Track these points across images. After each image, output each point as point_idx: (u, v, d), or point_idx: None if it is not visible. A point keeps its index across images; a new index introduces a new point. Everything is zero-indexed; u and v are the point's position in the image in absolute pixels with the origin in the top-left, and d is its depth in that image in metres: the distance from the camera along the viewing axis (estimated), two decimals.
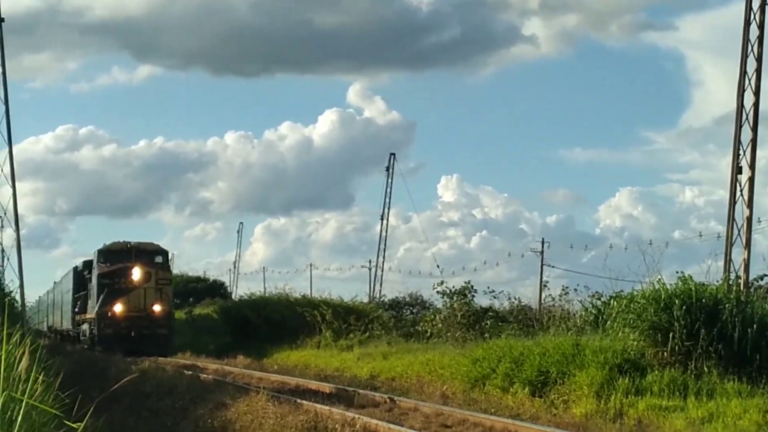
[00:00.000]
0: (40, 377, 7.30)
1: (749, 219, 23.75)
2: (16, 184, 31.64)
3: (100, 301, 35.12)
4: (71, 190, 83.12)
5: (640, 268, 22.36)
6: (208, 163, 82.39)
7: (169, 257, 38.65)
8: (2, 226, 31.48)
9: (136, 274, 35.16)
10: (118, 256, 35.97)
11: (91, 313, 36.45)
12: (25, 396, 5.67)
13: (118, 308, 34.84)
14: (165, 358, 31.33)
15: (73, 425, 5.64)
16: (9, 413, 5.36)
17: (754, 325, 17.55)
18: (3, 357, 6.26)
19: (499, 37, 78.17)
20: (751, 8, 23.67)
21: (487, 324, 29.51)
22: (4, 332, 8.98)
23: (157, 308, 35.28)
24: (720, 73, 71.62)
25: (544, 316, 28.05)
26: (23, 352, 7.35)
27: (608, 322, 20.92)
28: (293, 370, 29.68)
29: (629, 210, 76.46)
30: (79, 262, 42.53)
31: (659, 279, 19.67)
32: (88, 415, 5.86)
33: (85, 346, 36.43)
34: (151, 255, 36.70)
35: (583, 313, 25.88)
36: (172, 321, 37.19)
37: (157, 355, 31.56)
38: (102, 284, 35.28)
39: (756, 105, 23.39)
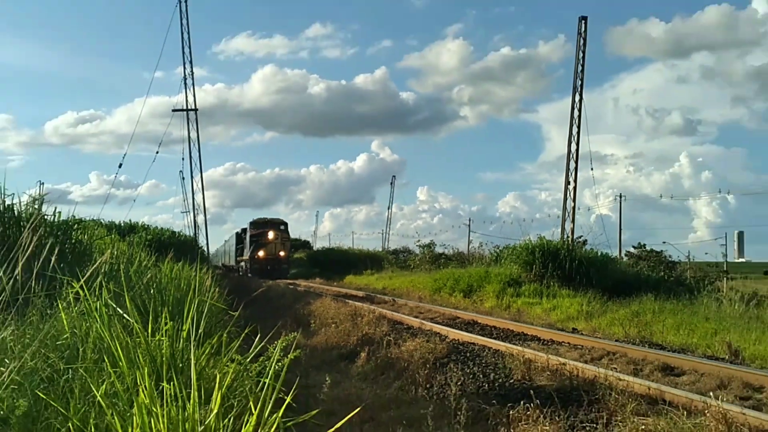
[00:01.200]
0: (216, 289, 8.25)
1: (573, 208, 27.84)
2: (205, 192, 46.36)
3: (250, 250, 45.99)
4: (232, 196, 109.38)
5: (519, 233, 29.37)
6: (300, 180, 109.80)
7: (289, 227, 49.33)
8: (198, 213, 43.91)
9: (271, 235, 45.91)
10: (260, 225, 47.07)
11: (246, 257, 47.21)
12: (208, 298, 6.54)
13: (261, 254, 45.58)
14: (280, 280, 37.85)
15: (233, 313, 6.81)
16: (201, 308, 5.80)
17: (576, 261, 21.25)
18: (198, 279, 7.63)
19: (448, 116, 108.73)
20: (574, 101, 27.71)
21: (441, 261, 36.38)
22: (197, 267, 10.76)
23: (282, 254, 46.06)
24: (559, 134, 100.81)
25: (471, 258, 34.51)
26: (208, 277, 9.17)
27: (502, 260, 25.26)
28: (345, 285, 33.70)
29: (514, 203, 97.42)
30: (238, 229, 53.16)
31: (528, 238, 23.73)
32: (240, 309, 6.78)
33: (240, 274, 45.43)
34: (278, 224, 47.50)
35: (490, 255, 31.69)
36: (289, 261, 48.10)
37: (277, 278, 39.38)
38: (252, 240, 46.16)
39: (577, 150, 27.31)
